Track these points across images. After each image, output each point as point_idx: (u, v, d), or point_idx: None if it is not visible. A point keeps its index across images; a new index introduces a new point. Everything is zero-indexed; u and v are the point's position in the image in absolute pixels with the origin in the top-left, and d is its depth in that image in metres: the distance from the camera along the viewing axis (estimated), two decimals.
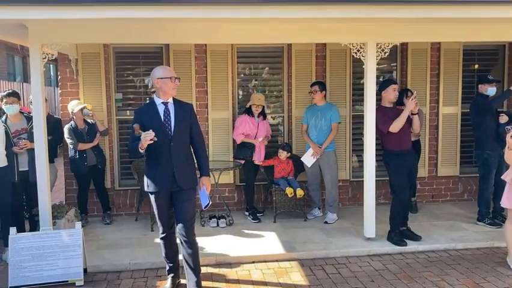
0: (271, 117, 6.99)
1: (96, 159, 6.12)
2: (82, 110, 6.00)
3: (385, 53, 5.15)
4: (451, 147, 7.08)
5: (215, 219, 6.07)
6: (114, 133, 6.63)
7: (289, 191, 5.98)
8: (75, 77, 6.39)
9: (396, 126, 5.06)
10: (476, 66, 7.29)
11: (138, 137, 3.72)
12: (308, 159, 6.20)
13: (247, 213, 6.40)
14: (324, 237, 5.50)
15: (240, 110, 6.72)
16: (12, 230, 4.42)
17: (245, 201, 6.59)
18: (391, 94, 5.24)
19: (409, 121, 5.19)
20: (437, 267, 4.72)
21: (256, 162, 6.29)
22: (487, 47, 7.12)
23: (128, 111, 6.74)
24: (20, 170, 5.26)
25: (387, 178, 5.49)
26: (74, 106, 6.05)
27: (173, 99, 4.00)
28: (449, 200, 7.18)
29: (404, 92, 6.05)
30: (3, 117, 5.32)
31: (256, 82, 6.99)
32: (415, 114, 5.15)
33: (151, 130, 3.68)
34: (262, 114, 6.35)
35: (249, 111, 6.28)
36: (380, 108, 5.25)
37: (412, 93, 5.47)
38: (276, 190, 6.16)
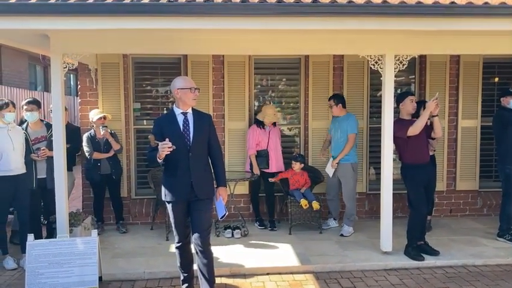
0: (288, 128, 6.99)
1: (110, 169, 6.15)
2: (100, 119, 6.09)
3: (403, 65, 5.12)
4: (470, 161, 6.97)
5: (230, 230, 6.06)
6: (131, 142, 6.69)
7: (303, 202, 5.94)
8: (94, 87, 6.50)
9: (416, 128, 4.99)
10: (496, 79, 7.19)
11: (157, 146, 3.75)
12: (329, 169, 6.20)
13: (256, 224, 6.48)
14: (339, 250, 5.44)
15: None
16: (30, 237, 4.46)
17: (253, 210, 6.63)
18: (409, 106, 5.20)
19: (427, 132, 5.14)
20: (456, 283, 4.62)
21: (271, 180, 6.29)
22: (507, 60, 7.00)
23: (145, 121, 6.80)
24: (38, 177, 5.34)
25: (405, 191, 5.43)
26: (94, 115, 6.15)
27: (193, 109, 4.03)
28: (468, 214, 7.05)
29: (421, 104, 5.97)
30: (24, 125, 5.42)
31: (273, 94, 7.00)
32: (435, 116, 5.08)
33: (167, 139, 3.71)
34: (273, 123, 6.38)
35: (258, 122, 6.30)
36: (398, 120, 5.21)
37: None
38: (292, 202, 6.13)
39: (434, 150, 6.11)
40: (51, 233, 5.44)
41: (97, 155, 6.07)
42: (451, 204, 7.03)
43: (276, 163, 6.34)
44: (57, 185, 4.89)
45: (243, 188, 6.64)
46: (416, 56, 5.35)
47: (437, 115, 5.10)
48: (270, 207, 6.48)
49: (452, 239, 5.85)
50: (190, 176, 3.89)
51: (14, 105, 5.10)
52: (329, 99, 6.25)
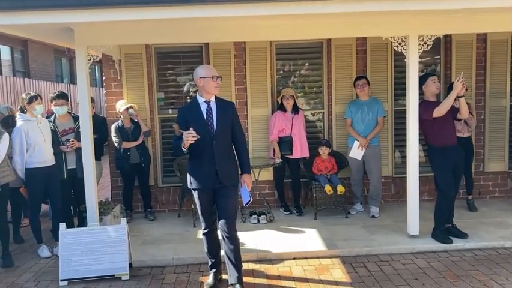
0: (311, 113, 6.96)
1: (140, 158, 6.26)
2: (126, 109, 6.18)
3: (428, 45, 5.01)
4: (498, 141, 6.82)
5: (255, 216, 6.11)
6: (157, 131, 6.78)
7: (327, 188, 5.94)
8: (119, 78, 6.60)
9: (442, 109, 4.90)
10: None
11: (181, 134, 3.80)
12: (357, 152, 6.17)
13: (281, 209, 6.52)
14: (366, 234, 5.43)
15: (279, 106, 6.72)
16: (62, 226, 4.61)
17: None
18: (432, 86, 5.11)
19: (453, 114, 5.05)
20: (485, 265, 4.56)
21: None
22: None
23: (170, 110, 6.87)
24: (68, 167, 5.50)
25: (431, 174, 5.36)
26: (120, 105, 6.25)
27: (216, 97, 4.06)
28: (497, 196, 6.92)
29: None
30: (52, 117, 5.56)
31: (295, 79, 6.96)
32: (461, 96, 4.98)
33: (191, 129, 3.75)
34: (295, 109, 6.35)
35: (281, 107, 6.30)
36: (423, 102, 5.13)
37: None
38: (317, 187, 6.13)
39: (471, 131, 6.00)
40: (82, 222, 5.59)
41: (126, 144, 6.17)
42: (480, 186, 6.91)
43: (300, 149, 6.33)
44: (86, 175, 5.01)
45: (267, 174, 6.66)
46: (441, 36, 5.22)
47: (463, 95, 4.99)
48: (296, 192, 6.50)
49: (481, 221, 5.76)
50: (214, 164, 3.93)
51: (41, 98, 5.25)
52: (361, 78, 6.21)
